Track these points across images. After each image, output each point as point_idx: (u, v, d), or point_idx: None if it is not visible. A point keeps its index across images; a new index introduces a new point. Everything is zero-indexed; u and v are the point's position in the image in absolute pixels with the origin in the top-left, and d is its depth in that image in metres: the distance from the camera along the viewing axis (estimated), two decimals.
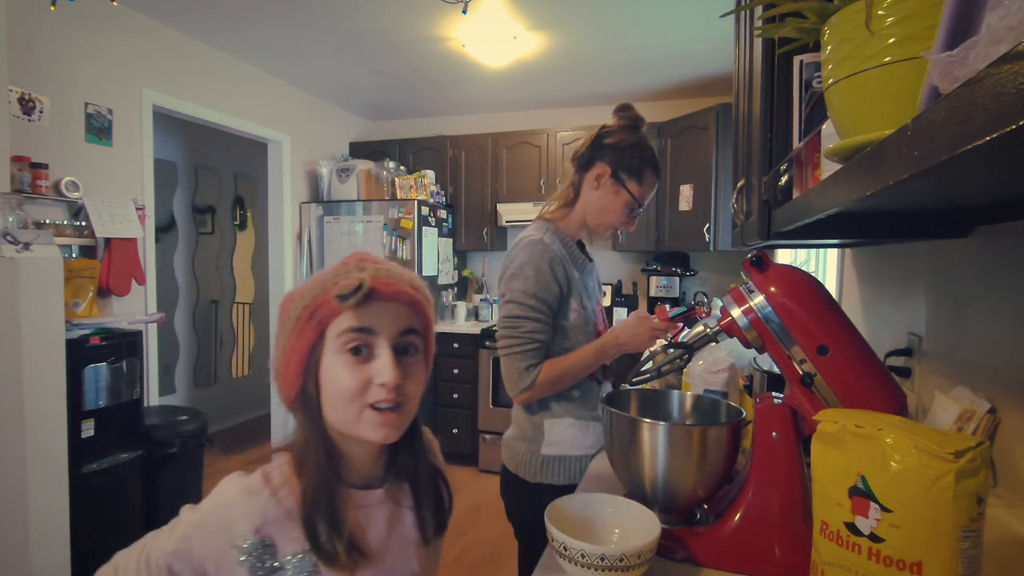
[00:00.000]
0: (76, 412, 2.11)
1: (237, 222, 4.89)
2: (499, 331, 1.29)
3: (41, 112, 2.33)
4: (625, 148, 1.30)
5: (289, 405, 0.67)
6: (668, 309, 1.30)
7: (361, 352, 0.63)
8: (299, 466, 0.65)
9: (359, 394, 0.62)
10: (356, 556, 0.64)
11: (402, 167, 4.15)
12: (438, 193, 4.09)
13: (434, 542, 0.76)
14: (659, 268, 3.83)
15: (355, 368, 0.63)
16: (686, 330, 1.17)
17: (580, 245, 1.41)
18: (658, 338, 1.28)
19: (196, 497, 0.70)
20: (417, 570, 0.73)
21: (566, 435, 1.29)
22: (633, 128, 1.33)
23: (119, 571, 0.66)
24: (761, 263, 0.86)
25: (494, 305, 4.16)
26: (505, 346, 1.27)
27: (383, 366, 0.62)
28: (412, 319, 0.66)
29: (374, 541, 0.68)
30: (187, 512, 0.66)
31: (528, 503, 1.27)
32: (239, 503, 0.63)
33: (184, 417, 2.68)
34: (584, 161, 1.34)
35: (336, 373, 0.63)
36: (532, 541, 1.26)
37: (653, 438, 0.90)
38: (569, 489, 1.21)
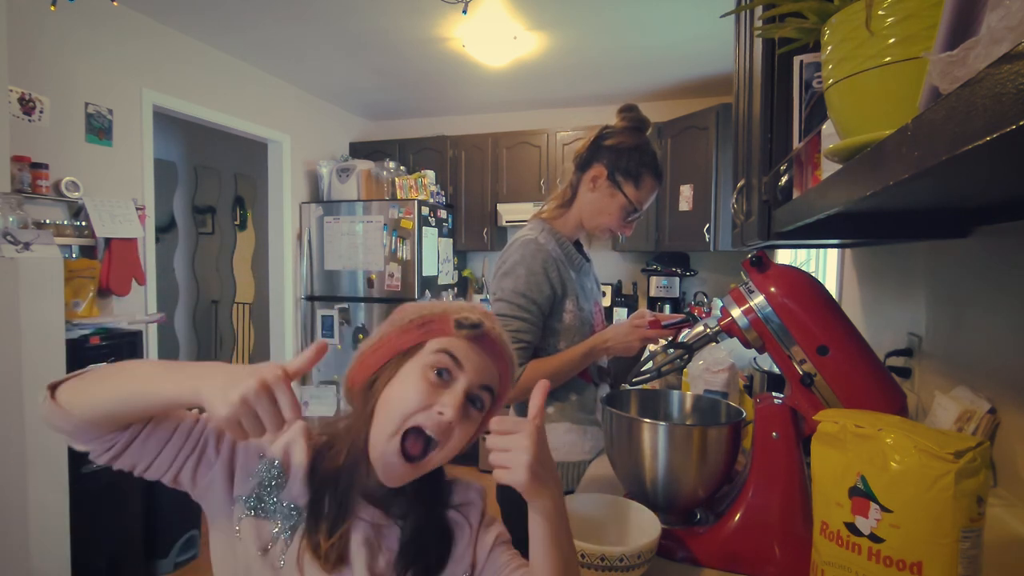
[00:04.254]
0: None
1: (237, 222, 4.89)
2: None
3: (41, 112, 2.33)
4: (624, 150, 1.28)
5: (349, 389, 0.70)
6: (662, 319, 1.27)
7: (442, 377, 0.66)
8: (328, 445, 0.69)
9: (415, 410, 0.64)
10: (333, 556, 0.64)
11: (402, 167, 4.15)
12: (438, 193, 4.09)
13: None
14: (659, 268, 3.83)
15: (428, 386, 0.65)
16: (686, 330, 1.17)
17: (578, 245, 1.39)
18: (648, 344, 1.25)
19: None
20: None
21: (563, 440, 1.27)
22: (636, 130, 1.30)
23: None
24: (761, 263, 0.86)
25: None
26: None
27: (451, 400, 0.65)
28: (495, 379, 0.69)
29: (353, 554, 0.66)
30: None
31: (522, 509, 1.25)
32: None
33: None
34: (583, 162, 1.32)
35: (410, 379, 0.65)
36: (525, 548, 1.25)
37: (653, 438, 0.90)
38: None
